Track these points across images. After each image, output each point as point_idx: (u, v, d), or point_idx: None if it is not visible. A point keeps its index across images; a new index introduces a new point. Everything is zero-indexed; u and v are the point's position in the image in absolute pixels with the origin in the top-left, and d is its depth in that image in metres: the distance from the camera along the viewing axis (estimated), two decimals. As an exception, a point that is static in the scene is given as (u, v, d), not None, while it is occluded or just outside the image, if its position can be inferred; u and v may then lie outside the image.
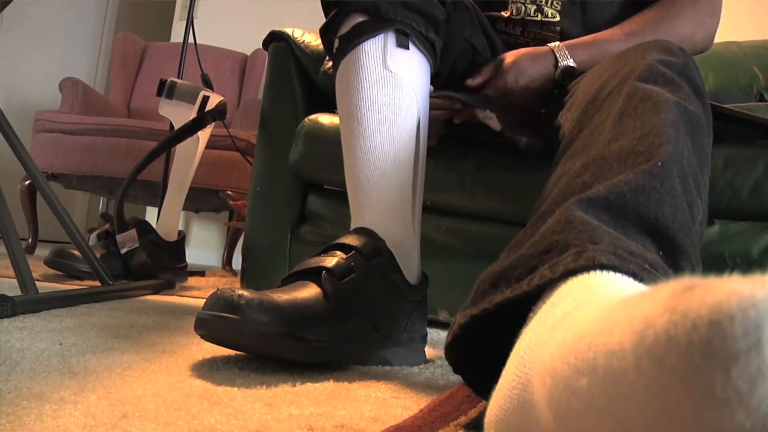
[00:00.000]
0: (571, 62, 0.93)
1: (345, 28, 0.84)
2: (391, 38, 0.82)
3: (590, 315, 0.28)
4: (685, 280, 0.23)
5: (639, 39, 0.91)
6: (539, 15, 1.05)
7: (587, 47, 0.95)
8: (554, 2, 1.05)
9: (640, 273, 0.39)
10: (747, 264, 1.08)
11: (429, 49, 0.87)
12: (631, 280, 0.38)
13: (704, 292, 0.21)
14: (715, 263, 1.09)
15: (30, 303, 0.90)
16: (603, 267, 0.39)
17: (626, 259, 0.40)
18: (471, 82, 0.98)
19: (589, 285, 0.37)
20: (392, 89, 0.82)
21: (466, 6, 1.01)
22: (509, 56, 0.96)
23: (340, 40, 0.84)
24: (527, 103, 0.97)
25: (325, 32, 0.88)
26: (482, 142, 1.18)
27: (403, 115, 0.82)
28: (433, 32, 0.87)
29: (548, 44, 0.96)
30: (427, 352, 0.85)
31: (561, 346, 0.28)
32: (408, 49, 0.84)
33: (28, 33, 3.66)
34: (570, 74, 0.93)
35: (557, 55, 0.94)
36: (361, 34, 0.81)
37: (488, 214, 1.21)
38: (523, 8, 1.06)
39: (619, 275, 0.38)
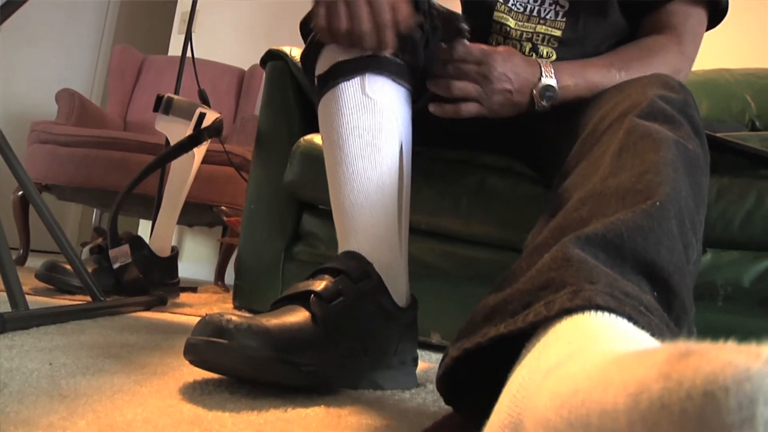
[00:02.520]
0: (553, 82, 0.90)
1: (323, 66, 0.85)
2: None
3: (585, 369, 0.28)
4: (681, 345, 0.23)
5: (623, 76, 0.90)
6: (533, 55, 1.05)
7: (575, 74, 0.92)
8: (551, 40, 1.04)
9: (636, 316, 0.39)
10: (738, 293, 1.08)
11: (408, 72, 0.87)
12: (626, 322, 0.39)
13: (699, 360, 0.21)
14: (708, 292, 1.09)
15: (20, 319, 0.90)
16: (599, 308, 0.39)
17: (622, 300, 0.40)
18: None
19: (585, 328, 0.37)
20: (372, 114, 0.83)
21: None
22: (505, 46, 0.94)
23: (319, 80, 0.86)
24: (496, 101, 0.91)
25: (305, 63, 0.90)
26: (478, 165, 1.19)
27: (385, 139, 0.83)
28: (410, 55, 0.88)
29: (537, 59, 0.93)
30: (419, 376, 0.85)
31: (555, 397, 0.28)
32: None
33: (25, 43, 3.66)
34: (550, 96, 0.90)
35: (543, 69, 0.91)
36: (338, 77, 0.83)
37: (483, 239, 1.22)
38: (518, 45, 1.06)
39: (614, 317, 0.39)
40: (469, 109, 0.92)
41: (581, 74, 0.92)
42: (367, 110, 0.83)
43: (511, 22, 1.06)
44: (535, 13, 1.06)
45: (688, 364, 0.22)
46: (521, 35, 1.06)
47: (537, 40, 1.05)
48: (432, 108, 0.90)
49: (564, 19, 1.04)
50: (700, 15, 1.00)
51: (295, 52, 1.48)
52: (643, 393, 0.22)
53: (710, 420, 0.20)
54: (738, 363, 0.20)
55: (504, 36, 1.06)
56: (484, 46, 0.90)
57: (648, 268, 0.46)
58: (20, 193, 2.36)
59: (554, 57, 1.04)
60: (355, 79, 0.83)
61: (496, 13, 1.07)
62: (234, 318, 0.64)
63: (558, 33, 1.04)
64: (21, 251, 2.39)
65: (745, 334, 1.06)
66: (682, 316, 0.47)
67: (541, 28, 1.05)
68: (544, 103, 0.91)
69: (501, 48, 0.91)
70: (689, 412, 0.21)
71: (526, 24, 1.06)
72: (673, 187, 0.52)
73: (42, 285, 1.45)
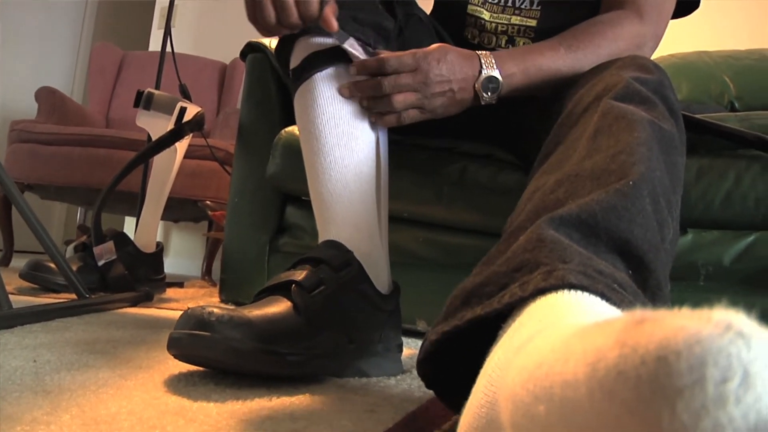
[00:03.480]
0: (495, 73, 0.85)
1: (297, 58, 0.85)
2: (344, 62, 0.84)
3: (550, 342, 0.29)
4: (637, 313, 0.24)
5: (580, 56, 0.86)
6: (510, 47, 1.03)
7: (519, 60, 0.86)
8: (526, 31, 1.03)
9: (609, 293, 0.39)
10: (719, 272, 1.10)
11: None
12: (599, 300, 0.39)
13: (653, 327, 0.22)
14: (688, 271, 1.10)
15: (3, 319, 0.89)
16: (572, 287, 0.39)
17: (596, 279, 0.40)
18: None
19: (556, 306, 0.38)
20: (347, 104, 0.84)
21: (420, 18, 1.02)
22: (438, 44, 0.87)
23: (293, 73, 0.86)
24: (438, 104, 0.86)
25: (279, 56, 0.90)
26: (460, 153, 1.19)
27: (361, 127, 0.84)
28: (383, 43, 0.88)
29: (476, 51, 0.87)
30: (404, 362, 0.85)
31: (522, 371, 0.29)
32: None
33: (4, 41, 3.62)
34: (494, 88, 0.85)
35: (482, 62, 0.85)
36: (312, 69, 0.83)
37: (465, 226, 1.22)
38: (494, 38, 1.05)
39: (587, 295, 0.39)
40: (411, 115, 0.86)
41: (527, 59, 0.86)
42: (342, 100, 0.83)
43: (486, 15, 1.05)
44: (509, 3, 1.04)
45: (643, 330, 0.22)
46: (496, 28, 1.05)
47: (513, 32, 1.04)
48: (373, 120, 0.86)
49: (539, 8, 1.03)
50: None
51: (275, 44, 1.47)
52: (600, 362, 0.23)
53: (663, 384, 0.21)
54: (689, 327, 0.21)
55: (479, 29, 1.06)
56: (414, 51, 0.85)
57: (622, 247, 0.47)
58: (2, 193, 2.34)
59: None
60: (329, 69, 0.83)
61: (470, 6, 1.07)
62: (216, 310, 0.64)
63: (533, 23, 1.03)
64: (4, 252, 2.38)
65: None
66: (657, 293, 0.47)
67: (515, 20, 1.03)
68: (488, 95, 0.85)
69: (433, 47, 0.85)
70: (644, 377, 0.21)
71: (500, 15, 1.04)
72: (647, 166, 0.53)
73: (26, 284, 1.44)
